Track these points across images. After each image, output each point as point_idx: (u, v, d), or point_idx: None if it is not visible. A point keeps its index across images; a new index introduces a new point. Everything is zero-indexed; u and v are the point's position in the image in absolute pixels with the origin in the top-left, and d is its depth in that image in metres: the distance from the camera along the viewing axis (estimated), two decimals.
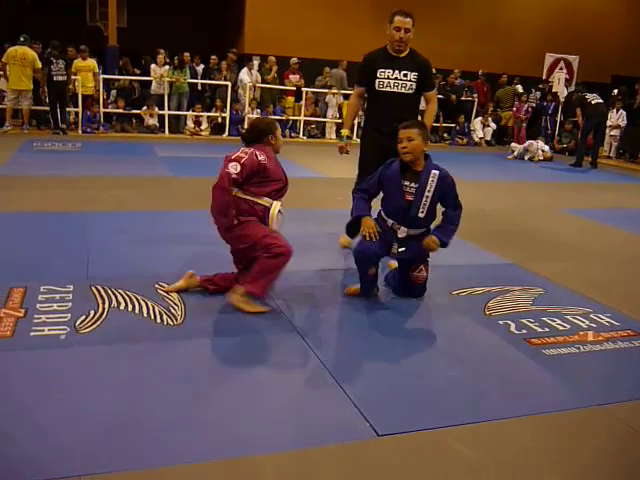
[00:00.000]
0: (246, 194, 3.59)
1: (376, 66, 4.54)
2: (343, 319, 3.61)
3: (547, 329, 3.57)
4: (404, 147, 3.65)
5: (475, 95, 15.18)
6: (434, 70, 4.51)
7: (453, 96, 14.82)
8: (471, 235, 5.61)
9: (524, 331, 3.52)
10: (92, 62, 12.32)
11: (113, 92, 13.18)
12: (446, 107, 14.92)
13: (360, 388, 2.77)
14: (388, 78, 4.50)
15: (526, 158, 12.49)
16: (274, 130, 3.78)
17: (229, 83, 12.89)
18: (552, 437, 2.52)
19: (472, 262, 4.88)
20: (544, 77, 16.55)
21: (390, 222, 3.77)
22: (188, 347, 3.09)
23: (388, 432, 2.44)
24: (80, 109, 12.25)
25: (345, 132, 4.91)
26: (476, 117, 15.14)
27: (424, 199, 3.66)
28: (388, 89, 4.52)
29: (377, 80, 4.53)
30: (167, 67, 12.90)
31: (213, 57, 13.41)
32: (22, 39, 11.51)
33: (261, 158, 3.57)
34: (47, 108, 11.96)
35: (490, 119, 14.96)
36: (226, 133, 13.01)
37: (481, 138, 14.82)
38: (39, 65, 11.45)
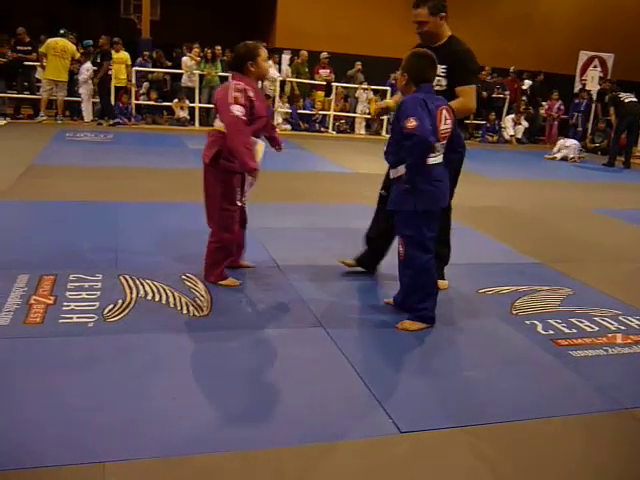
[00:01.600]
0: None
1: None
2: (368, 315, 3.60)
3: (575, 330, 3.53)
4: None
5: (507, 92, 15.01)
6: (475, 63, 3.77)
7: (484, 93, 14.67)
8: (500, 234, 5.57)
9: (551, 332, 3.48)
10: (125, 54, 12.46)
11: (145, 84, 13.31)
12: (477, 103, 14.76)
13: (384, 385, 2.77)
14: None
15: (559, 157, 12.28)
16: (254, 56, 3.57)
17: None
18: (577, 440, 2.49)
19: (500, 261, 4.84)
20: (577, 75, 16.30)
21: None
22: (213, 338, 3.12)
23: (411, 429, 2.43)
24: (113, 100, 12.38)
25: (388, 101, 4.14)
26: (507, 114, 14.97)
27: (390, 131, 3.43)
28: None
29: None
30: (199, 59, 12.99)
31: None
32: (62, 32, 11.73)
33: (251, 94, 3.52)
34: (79, 99, 12.13)
35: (522, 117, 14.79)
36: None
37: (512, 136, 14.66)
38: (78, 56, 11.65)
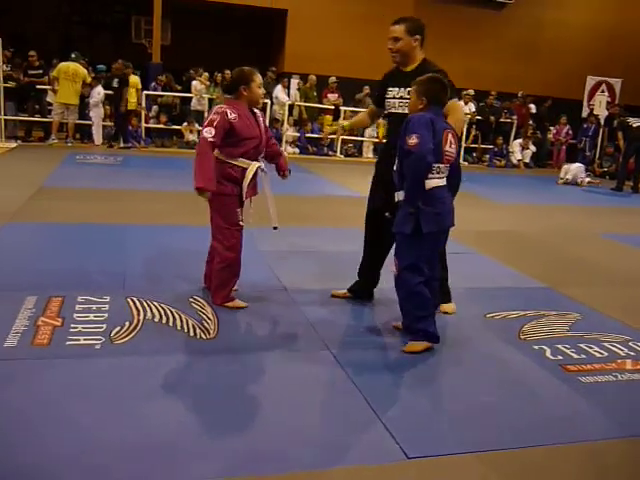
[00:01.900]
0: (222, 155, 3.62)
1: (388, 83, 3.88)
2: (375, 338, 3.58)
3: (584, 356, 3.50)
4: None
5: (514, 117, 15.07)
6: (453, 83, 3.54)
7: (492, 117, 14.74)
8: (507, 258, 5.55)
9: (560, 357, 3.45)
10: (136, 78, 12.60)
11: (154, 107, 13.44)
12: (484, 128, 14.85)
13: (390, 409, 2.75)
14: (394, 97, 3.80)
15: (565, 180, 12.27)
16: (248, 81, 3.63)
17: (268, 101, 13.04)
18: (587, 468, 2.46)
19: (507, 285, 4.82)
20: (585, 100, 16.36)
21: None
22: (220, 361, 3.11)
23: (418, 455, 2.40)
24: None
25: (342, 122, 4.16)
26: (515, 139, 15.02)
27: (397, 150, 3.37)
28: (393, 110, 3.82)
29: (385, 101, 3.87)
30: (208, 84, 13.15)
31: None
32: (74, 56, 11.90)
33: (231, 117, 3.57)
34: (90, 122, 12.27)
35: (530, 141, 14.82)
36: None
37: (519, 160, 14.68)
38: (89, 80, 11.80)
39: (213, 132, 3.51)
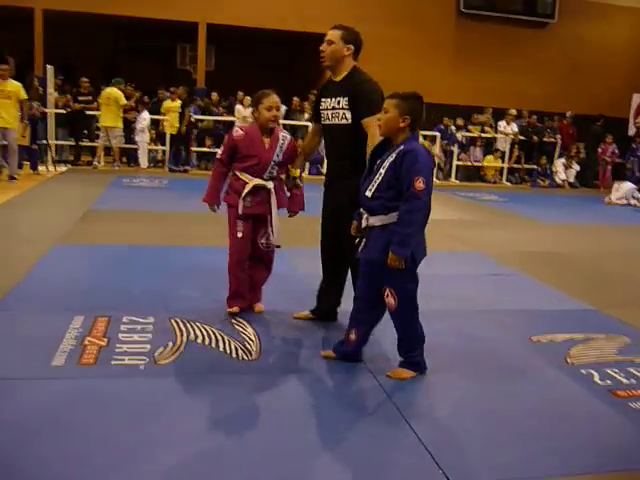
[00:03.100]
0: (233, 168, 3.95)
1: (321, 95, 3.83)
2: None
3: (634, 381, 3.39)
4: (379, 120, 3.15)
5: (558, 136, 14.88)
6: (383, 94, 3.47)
7: (534, 137, 14.58)
8: (553, 279, 5.45)
9: (609, 382, 3.36)
10: (179, 103, 12.86)
11: (194, 131, 13.71)
12: (527, 148, 14.69)
13: (433, 431, 2.71)
14: (327, 109, 3.74)
15: (614, 199, 12.00)
16: (257, 103, 3.90)
17: (310, 124, 13.14)
18: None
19: (553, 307, 4.72)
20: (631, 117, 16.04)
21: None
22: (262, 383, 3.11)
23: None
24: (167, 148, 12.78)
25: (293, 171, 3.99)
26: (559, 158, 14.81)
27: (377, 175, 3.09)
28: (327, 122, 3.76)
29: (320, 113, 3.83)
30: (252, 108, 13.33)
31: (295, 99, 13.77)
32: (113, 81, 12.27)
33: (236, 135, 3.89)
34: (136, 147, 12.61)
35: (573, 161, 14.60)
36: (305, 172, 13.21)
37: (564, 180, 14.46)
38: (123, 102, 12.11)
39: (221, 150, 3.99)
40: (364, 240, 3.20)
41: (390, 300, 3.16)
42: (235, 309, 4.01)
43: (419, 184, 2.94)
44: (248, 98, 13.36)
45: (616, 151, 14.74)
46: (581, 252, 6.90)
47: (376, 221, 3.11)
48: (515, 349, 3.79)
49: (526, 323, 4.26)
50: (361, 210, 3.21)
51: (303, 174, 4.14)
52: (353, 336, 3.31)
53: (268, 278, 4.18)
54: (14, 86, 9.24)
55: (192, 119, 12.60)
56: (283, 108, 13.90)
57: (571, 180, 14.57)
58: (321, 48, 3.71)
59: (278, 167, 3.93)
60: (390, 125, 3.08)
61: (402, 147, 3.02)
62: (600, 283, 5.57)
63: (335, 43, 3.65)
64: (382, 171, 3.07)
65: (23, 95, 9.31)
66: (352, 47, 3.69)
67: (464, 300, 4.69)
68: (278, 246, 4.05)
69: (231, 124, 13.52)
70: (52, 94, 11.55)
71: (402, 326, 3.25)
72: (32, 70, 13.50)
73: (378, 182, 3.07)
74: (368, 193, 3.11)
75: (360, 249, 3.22)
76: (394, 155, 3.03)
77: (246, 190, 3.87)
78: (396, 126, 3.07)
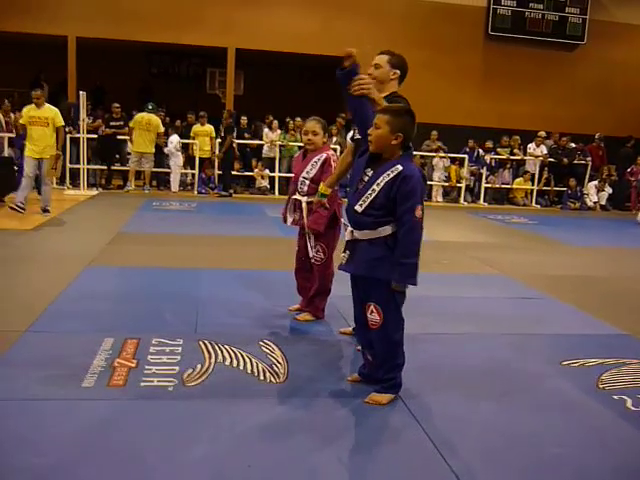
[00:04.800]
0: None
1: None
2: (446, 381, 3.51)
3: None
4: (369, 135, 3.06)
5: (588, 158, 14.74)
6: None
7: (565, 160, 14.46)
8: (584, 302, 5.37)
9: None
10: (210, 127, 13.08)
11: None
12: (557, 170, 14.57)
13: (463, 460, 2.67)
14: None
15: None
16: (302, 129, 4.45)
17: (338, 147, 13.25)
18: None
19: (584, 332, 4.65)
20: None
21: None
22: (289, 406, 3.11)
23: None
24: (197, 171, 12.96)
25: (322, 188, 4.02)
26: (590, 181, 14.66)
27: (370, 191, 3.01)
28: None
29: None
30: (279, 132, 13.50)
31: None
32: (150, 107, 12.54)
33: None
34: (168, 170, 12.83)
35: (606, 183, 14.43)
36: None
37: (595, 202, 14.29)
38: (162, 130, 12.37)
39: None
40: (347, 252, 3.17)
41: (374, 317, 3.10)
42: (292, 306, 4.59)
43: (419, 212, 2.94)
44: (276, 122, 13.57)
45: None
46: (613, 275, 6.79)
47: (362, 236, 3.07)
48: (545, 373, 3.73)
49: (557, 347, 4.20)
50: (345, 221, 3.20)
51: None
52: (370, 357, 3.29)
53: (317, 289, 4.40)
54: (52, 112, 8.75)
55: (233, 144, 12.78)
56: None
57: (603, 203, 14.40)
58: (369, 72, 3.71)
59: (311, 182, 4.20)
60: (381, 142, 3.02)
61: (400, 168, 2.96)
62: (633, 307, 5.47)
63: (382, 67, 3.71)
64: (376, 188, 2.99)
65: (60, 122, 8.81)
66: (398, 72, 3.74)
67: (492, 323, 4.64)
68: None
69: (260, 147, 13.73)
70: (84, 119, 11.80)
71: (385, 345, 3.14)
72: (65, 96, 13.83)
73: (371, 199, 3.01)
74: (358, 208, 3.05)
75: (344, 262, 3.18)
76: (391, 175, 2.97)
77: (289, 204, 4.38)
78: (387, 143, 3.01)
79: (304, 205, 4.25)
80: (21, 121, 9.03)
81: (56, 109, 8.95)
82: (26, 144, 8.71)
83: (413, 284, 3.01)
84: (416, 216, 2.93)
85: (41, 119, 8.66)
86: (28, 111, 8.70)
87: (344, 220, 3.30)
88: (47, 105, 8.86)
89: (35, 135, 8.59)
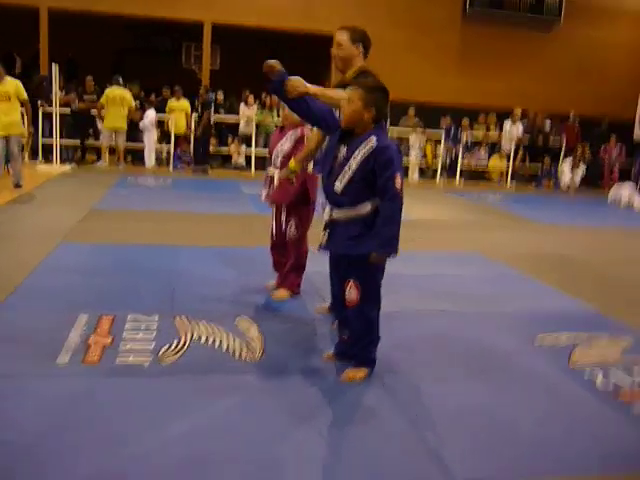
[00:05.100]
0: None
1: None
2: (421, 358, 3.53)
3: (638, 382, 3.39)
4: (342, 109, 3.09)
5: (563, 135, 14.86)
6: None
7: (539, 138, 14.55)
8: (556, 281, 5.44)
9: (613, 383, 3.35)
10: (185, 102, 12.90)
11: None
12: (532, 149, 14.67)
13: (438, 436, 2.70)
14: None
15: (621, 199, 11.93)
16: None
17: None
18: None
19: (555, 309, 4.71)
20: (637, 121, 15.99)
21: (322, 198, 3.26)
22: (265, 383, 3.12)
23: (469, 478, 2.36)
24: (172, 147, 12.81)
25: (292, 164, 4.01)
26: (564, 159, 14.78)
27: (346, 167, 3.01)
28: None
29: None
30: (255, 107, 13.38)
31: None
32: (120, 81, 12.31)
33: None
34: (140, 145, 12.65)
35: (581, 162, 14.56)
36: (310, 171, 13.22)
37: (570, 180, 14.42)
38: (133, 104, 12.26)
39: None
40: (326, 232, 3.18)
41: (352, 292, 3.10)
42: (269, 283, 4.58)
43: (398, 181, 2.93)
44: (252, 97, 13.41)
45: (622, 153, 14.71)
46: (586, 254, 6.89)
47: (341, 214, 3.08)
48: (519, 350, 3.79)
49: (529, 325, 4.26)
50: (323, 200, 3.20)
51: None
52: (345, 336, 3.31)
53: (291, 264, 4.40)
54: (12, 85, 8.19)
55: (211, 121, 12.63)
56: None
57: (577, 181, 14.53)
58: (332, 52, 3.74)
59: (283, 158, 4.23)
60: (354, 117, 3.02)
61: (374, 141, 2.96)
62: (604, 286, 5.56)
63: (344, 44, 3.69)
64: (353, 163, 2.99)
65: (23, 94, 8.24)
66: (361, 46, 3.72)
67: (466, 301, 4.69)
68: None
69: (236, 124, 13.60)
70: (57, 93, 11.55)
71: (361, 323, 3.16)
72: (38, 70, 13.53)
73: (350, 174, 3.01)
74: (338, 185, 3.04)
75: (324, 242, 3.19)
76: (366, 149, 2.97)
77: (265, 180, 4.40)
78: (360, 118, 3.01)
79: (275, 179, 4.25)
80: None
81: (17, 81, 8.37)
82: None
83: (393, 253, 3.00)
84: (396, 186, 2.92)
85: (1, 94, 8.11)
86: None
87: (321, 200, 3.29)
88: (8, 78, 8.30)
89: None
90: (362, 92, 3.02)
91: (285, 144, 4.25)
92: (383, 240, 2.96)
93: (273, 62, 3.30)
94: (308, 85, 3.30)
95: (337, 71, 3.83)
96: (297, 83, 3.27)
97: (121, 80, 12.34)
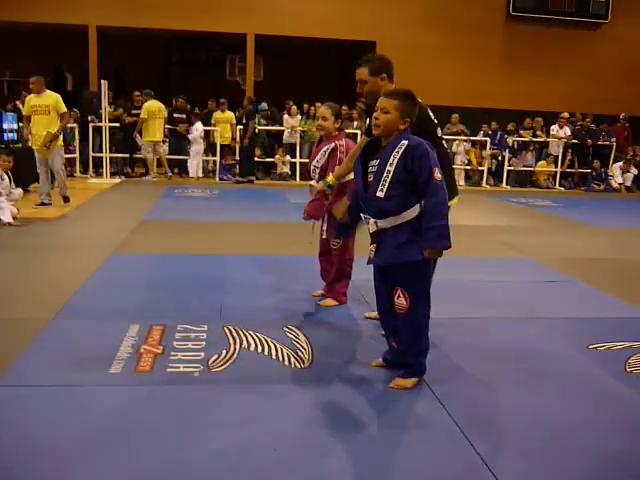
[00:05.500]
0: None
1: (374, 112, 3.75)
2: (472, 366, 3.48)
3: None
4: (376, 118, 3.06)
5: (613, 139, 14.51)
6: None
7: (589, 140, 14.26)
8: (610, 286, 5.30)
9: None
10: (230, 114, 13.09)
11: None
12: (581, 152, 14.38)
13: (491, 444, 2.65)
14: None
15: None
16: None
17: (359, 131, 13.19)
18: None
19: (611, 315, 4.59)
20: None
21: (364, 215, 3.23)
22: (315, 391, 3.11)
23: None
24: (218, 158, 12.99)
25: (329, 179, 4.10)
26: (615, 162, 14.43)
27: (385, 174, 2.98)
28: None
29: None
30: (299, 117, 13.48)
31: (344, 107, 13.82)
32: (152, 94, 12.41)
33: None
34: (186, 157, 12.84)
35: (631, 164, 14.21)
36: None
37: (620, 184, 14.08)
38: (165, 115, 12.32)
39: None
40: (373, 245, 3.16)
41: (401, 301, 3.08)
42: (316, 292, 4.62)
43: (437, 175, 2.91)
44: (295, 108, 13.53)
45: None
46: None
47: (387, 223, 3.05)
48: (571, 357, 3.70)
49: (583, 331, 4.16)
50: (365, 215, 3.18)
51: None
52: (394, 344, 3.29)
53: (336, 273, 4.43)
54: (52, 99, 8.15)
55: (256, 131, 12.76)
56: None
57: (628, 184, 14.18)
58: (358, 90, 3.79)
59: (320, 171, 4.30)
60: (390, 127, 3.01)
61: (406, 142, 2.95)
62: None
63: (368, 82, 3.70)
64: (390, 169, 2.97)
65: (62, 108, 8.20)
66: (384, 75, 3.71)
67: (518, 308, 4.61)
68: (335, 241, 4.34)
69: (280, 134, 13.72)
70: (106, 108, 11.85)
71: (411, 330, 3.13)
72: (88, 86, 13.90)
73: (390, 179, 2.97)
74: (380, 194, 3.00)
75: (372, 256, 3.16)
76: (400, 151, 2.95)
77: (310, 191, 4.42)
78: (396, 128, 3.01)
79: (312, 191, 4.34)
80: (24, 113, 8.45)
81: (57, 95, 8.30)
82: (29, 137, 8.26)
83: (446, 247, 2.95)
84: (435, 178, 2.90)
85: (42, 107, 8.09)
86: (29, 100, 8.20)
87: (364, 214, 3.27)
88: (48, 92, 8.25)
89: (35, 125, 8.06)
90: (398, 102, 3.01)
91: (321, 159, 4.31)
92: (432, 235, 2.93)
93: (340, 214, 3.50)
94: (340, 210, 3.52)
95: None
96: (335, 212, 3.57)
97: (152, 93, 12.50)
